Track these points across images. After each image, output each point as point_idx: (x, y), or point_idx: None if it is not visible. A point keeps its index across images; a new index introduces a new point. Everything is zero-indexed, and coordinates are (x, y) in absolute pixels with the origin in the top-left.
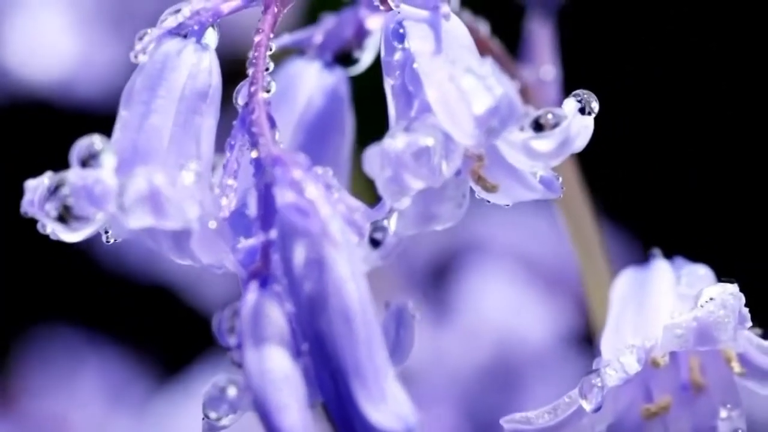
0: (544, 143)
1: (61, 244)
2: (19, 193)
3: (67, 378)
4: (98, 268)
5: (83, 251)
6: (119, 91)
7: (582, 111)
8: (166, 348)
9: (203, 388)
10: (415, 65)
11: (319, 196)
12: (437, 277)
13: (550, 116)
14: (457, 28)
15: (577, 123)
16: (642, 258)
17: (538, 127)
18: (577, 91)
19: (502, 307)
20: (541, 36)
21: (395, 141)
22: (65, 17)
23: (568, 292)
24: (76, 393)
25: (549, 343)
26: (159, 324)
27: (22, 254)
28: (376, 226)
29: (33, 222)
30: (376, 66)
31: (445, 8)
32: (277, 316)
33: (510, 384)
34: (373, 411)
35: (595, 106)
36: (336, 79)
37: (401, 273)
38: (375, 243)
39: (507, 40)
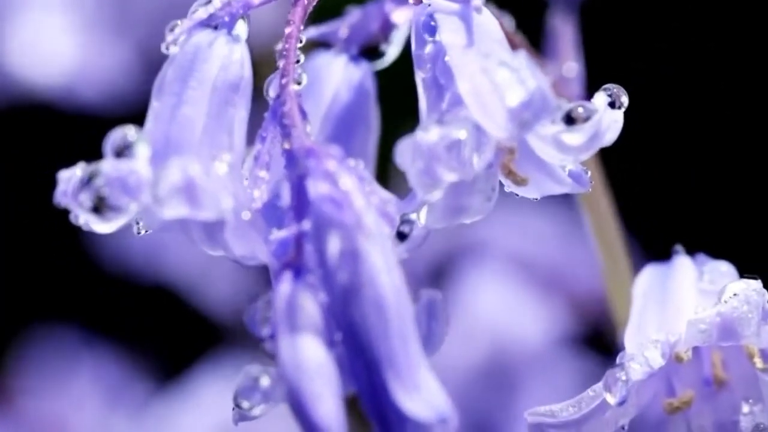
0: (575, 137)
1: (62, 244)
2: (20, 194)
3: (66, 378)
4: (98, 269)
5: (83, 251)
6: (121, 93)
7: (612, 105)
8: (165, 349)
9: (207, 385)
10: (446, 58)
11: (353, 188)
12: (435, 278)
13: (581, 110)
14: (489, 22)
15: (607, 117)
16: (664, 255)
17: (569, 120)
18: (607, 85)
19: (498, 309)
20: (564, 32)
21: (428, 133)
22: (67, 19)
23: (565, 294)
24: (74, 394)
25: (545, 345)
26: (159, 325)
27: (21, 254)
28: (402, 220)
29: (33, 222)
30: (402, 60)
31: (476, 1)
32: (310, 306)
33: (506, 385)
34: (407, 400)
35: (625, 100)
36: (362, 73)
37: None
38: (401, 236)
39: (530, 37)
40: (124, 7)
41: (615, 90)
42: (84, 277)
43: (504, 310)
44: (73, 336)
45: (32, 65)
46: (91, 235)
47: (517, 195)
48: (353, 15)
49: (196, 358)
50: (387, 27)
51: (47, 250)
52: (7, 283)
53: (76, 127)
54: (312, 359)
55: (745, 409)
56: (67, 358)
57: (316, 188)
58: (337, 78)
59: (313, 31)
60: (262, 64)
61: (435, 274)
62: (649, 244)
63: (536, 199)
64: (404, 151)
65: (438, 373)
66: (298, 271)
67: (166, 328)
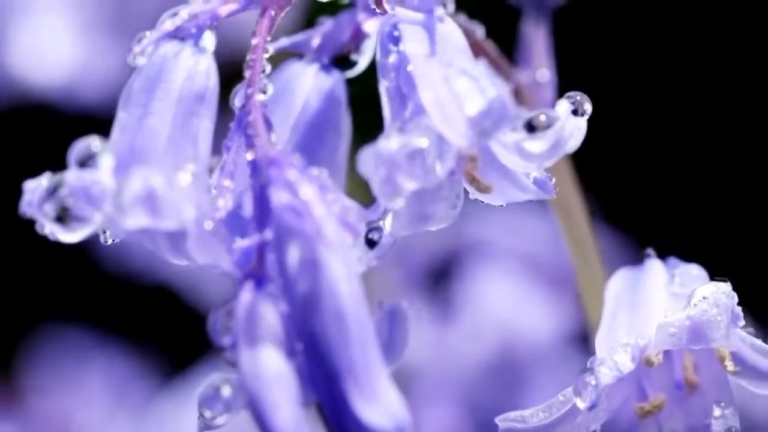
0: (536, 144)
1: (64, 244)
2: (21, 194)
3: (72, 377)
4: (101, 269)
5: (86, 252)
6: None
7: (575, 112)
8: (169, 348)
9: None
10: (409, 67)
11: (313, 197)
12: (440, 276)
13: (542, 117)
14: (452, 31)
15: (570, 124)
16: (636, 258)
17: (530, 128)
18: (570, 93)
19: (504, 306)
20: (537, 39)
21: (389, 142)
22: (67, 20)
23: (570, 291)
24: (80, 392)
25: (551, 341)
26: (162, 324)
27: (25, 254)
28: (372, 227)
29: (34, 222)
30: (374, 69)
31: (439, 11)
32: (271, 316)
33: (512, 382)
34: (365, 410)
35: (588, 107)
36: (333, 81)
37: (404, 273)
38: (371, 243)
39: (502, 43)
40: (123, 8)
41: (578, 98)
42: (88, 277)
43: (512, 307)
44: (80, 336)
45: (32, 66)
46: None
47: (483, 202)
48: (325, 25)
49: (198, 357)
50: (358, 36)
51: (51, 251)
52: (11, 283)
53: (76, 128)
54: (271, 369)
55: (717, 412)
56: (74, 357)
57: (278, 197)
58: (307, 86)
59: (285, 41)
60: (236, 75)
61: (440, 271)
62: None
63: (501, 206)
64: (366, 160)
65: (446, 370)
66: (260, 280)
67: (169, 328)
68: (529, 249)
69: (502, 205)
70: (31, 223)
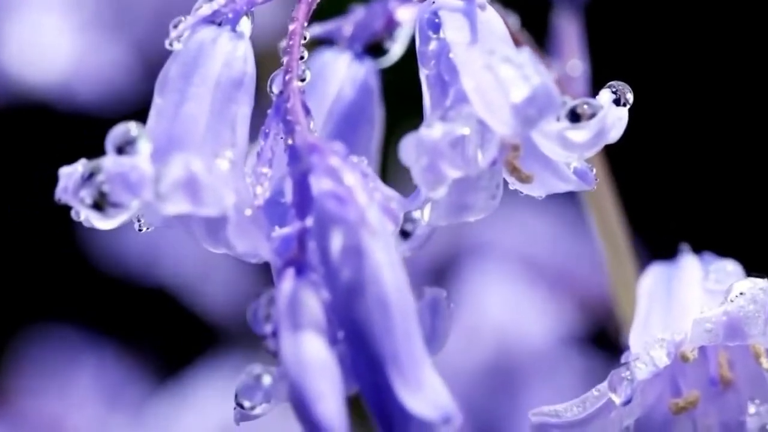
0: (579, 134)
1: (59, 244)
2: (19, 194)
3: (65, 378)
4: (96, 269)
5: (81, 252)
6: (119, 93)
7: (617, 102)
8: (164, 349)
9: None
10: (450, 55)
11: (356, 184)
12: (439, 277)
13: (586, 107)
14: (493, 19)
15: (612, 114)
16: (670, 254)
17: (574, 117)
18: (612, 83)
19: (504, 308)
20: (569, 31)
21: (432, 130)
22: (65, 19)
23: (570, 293)
24: (73, 394)
25: (551, 344)
26: (157, 325)
27: (19, 254)
28: (406, 218)
29: (31, 222)
30: (406, 57)
31: None
32: (313, 303)
33: (511, 384)
34: (410, 399)
35: (630, 97)
36: (366, 70)
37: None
38: (404, 234)
39: (535, 35)
40: (122, 7)
41: (620, 87)
42: (82, 277)
43: (509, 309)
44: (73, 336)
45: (30, 65)
46: (90, 236)
47: (522, 193)
48: (357, 13)
49: (193, 359)
50: (391, 25)
51: (46, 251)
52: (6, 283)
53: (75, 127)
54: (315, 357)
55: (752, 409)
56: (66, 358)
57: (319, 184)
58: (340, 75)
59: (318, 29)
60: (267, 61)
61: (439, 273)
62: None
63: (540, 197)
64: (408, 148)
65: (443, 373)
66: (301, 268)
67: (164, 329)
68: (529, 250)
69: (540, 196)
70: (27, 222)
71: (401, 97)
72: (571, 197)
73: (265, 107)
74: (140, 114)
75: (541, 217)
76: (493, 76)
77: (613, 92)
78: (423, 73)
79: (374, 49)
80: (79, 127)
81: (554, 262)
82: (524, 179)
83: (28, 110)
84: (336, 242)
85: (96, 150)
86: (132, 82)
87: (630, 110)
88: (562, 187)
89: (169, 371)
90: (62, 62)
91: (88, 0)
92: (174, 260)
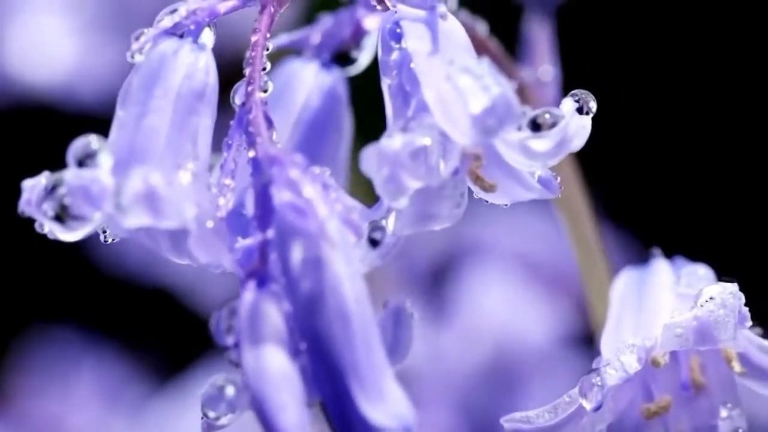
0: (541, 143)
1: (60, 245)
2: (19, 194)
3: (65, 379)
4: (97, 270)
5: (82, 253)
6: (119, 94)
7: (580, 111)
8: (164, 350)
9: (201, 388)
10: (412, 65)
11: (316, 196)
12: (437, 277)
13: (547, 116)
14: (454, 28)
15: (574, 123)
16: (642, 258)
17: (535, 126)
18: (575, 91)
19: (501, 308)
20: (540, 36)
21: (392, 140)
22: (66, 20)
23: (567, 293)
24: (73, 394)
25: (548, 344)
26: (157, 326)
27: (20, 255)
28: (375, 226)
29: (32, 222)
30: (374, 66)
31: (441, 8)
32: (274, 315)
33: (508, 384)
34: (371, 410)
35: (593, 105)
36: (333, 79)
37: (402, 273)
38: (373, 243)
39: (505, 41)
40: (122, 7)
41: (583, 96)
42: (83, 278)
43: (507, 310)
44: (73, 337)
45: (32, 66)
46: (90, 237)
47: (487, 201)
48: (325, 22)
49: (193, 360)
50: (359, 33)
51: (46, 251)
52: (6, 284)
53: (75, 128)
54: (276, 368)
55: (724, 413)
56: (66, 359)
57: (280, 196)
58: (308, 84)
59: (285, 38)
60: (235, 72)
61: (436, 274)
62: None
63: (506, 205)
64: (369, 159)
65: (441, 373)
66: (263, 279)
67: (165, 330)
68: (527, 250)
69: (505, 205)
70: (27, 222)
71: (373, 104)
72: (547, 202)
73: (230, 118)
74: None
75: (539, 217)
76: (453, 86)
77: (576, 101)
78: (385, 83)
79: (342, 57)
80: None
81: (552, 262)
82: (487, 188)
83: (30, 111)
84: (296, 254)
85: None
86: None
87: (604, 114)
88: (526, 196)
89: (169, 372)
90: (63, 63)
91: (88, 1)
92: (173, 261)
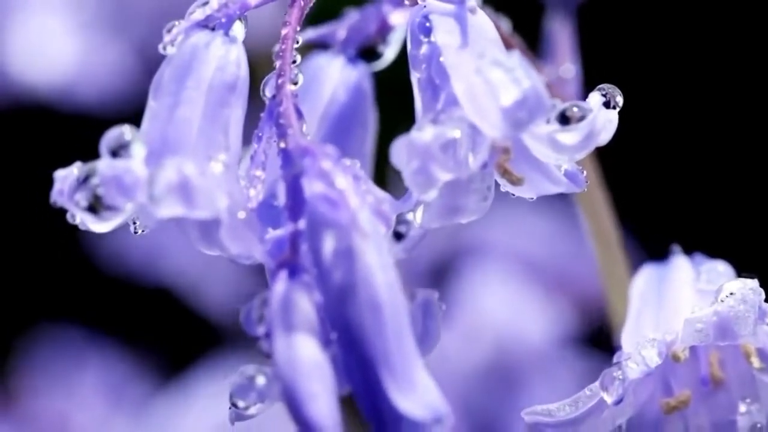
0: (569, 136)
1: (62, 245)
2: (20, 194)
3: (69, 378)
4: (100, 269)
5: (85, 252)
6: (120, 93)
7: (607, 105)
8: (167, 349)
9: (206, 386)
10: (441, 58)
11: (348, 187)
12: (437, 277)
13: (576, 109)
14: (483, 22)
15: (602, 116)
16: (661, 254)
17: (563, 120)
18: (602, 85)
19: (501, 308)
20: (562, 34)
21: (423, 133)
22: (66, 20)
23: (568, 294)
24: (77, 393)
25: (548, 344)
26: (161, 325)
27: (23, 254)
28: (399, 220)
29: (33, 223)
30: (399, 61)
31: (471, 2)
32: (306, 305)
33: (509, 385)
34: (402, 400)
35: (620, 100)
36: (359, 74)
37: (402, 273)
38: (398, 236)
39: (528, 38)
40: (123, 7)
41: (610, 90)
42: (86, 278)
43: (507, 309)
44: (76, 336)
45: (32, 66)
46: (92, 236)
47: (513, 195)
48: (351, 17)
49: (196, 359)
50: (384, 28)
51: (48, 251)
52: (8, 283)
53: (76, 128)
54: (307, 358)
55: (742, 408)
56: (70, 358)
57: (311, 187)
58: (334, 79)
59: (312, 33)
60: (261, 64)
61: (437, 273)
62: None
63: (532, 198)
64: (400, 151)
65: (442, 372)
66: (294, 270)
67: (167, 329)
68: (527, 251)
69: (531, 198)
70: (29, 223)
71: (397, 99)
72: (565, 199)
73: (259, 110)
74: (141, 115)
75: (540, 217)
76: (483, 79)
77: (603, 95)
78: (414, 77)
79: (368, 52)
80: (81, 127)
81: (552, 262)
82: (515, 181)
83: (30, 111)
84: (328, 245)
85: (97, 151)
86: (133, 82)
87: (623, 112)
88: (553, 189)
89: (171, 371)
90: (64, 63)
91: (89, 1)
92: (176, 260)
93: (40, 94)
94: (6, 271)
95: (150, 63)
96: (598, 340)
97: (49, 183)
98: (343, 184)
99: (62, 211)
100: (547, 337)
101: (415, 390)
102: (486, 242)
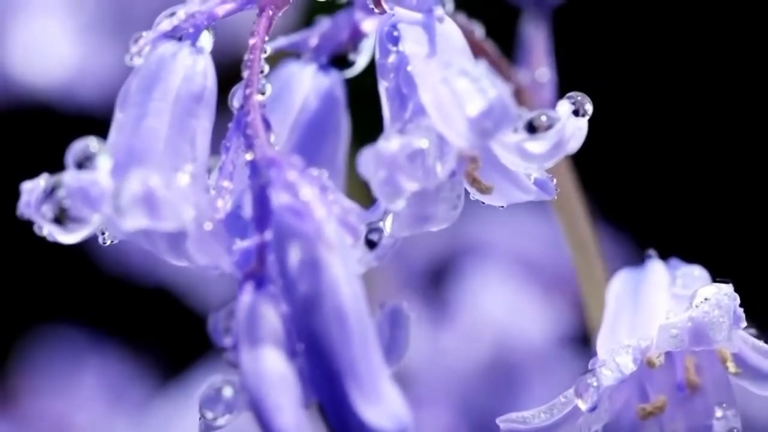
0: (537, 145)
1: (62, 245)
2: (20, 194)
3: (68, 379)
4: (99, 270)
5: (84, 252)
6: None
7: (576, 113)
8: (166, 349)
9: (200, 389)
10: (409, 68)
11: (313, 198)
12: (436, 277)
13: (543, 118)
14: (451, 31)
15: (570, 125)
16: (637, 259)
17: (531, 128)
18: (571, 94)
19: (500, 308)
20: (537, 38)
21: (390, 143)
22: (66, 21)
23: (566, 293)
24: (77, 394)
25: (547, 344)
26: (160, 325)
27: (23, 255)
28: (372, 228)
29: (33, 223)
30: (372, 68)
31: (439, 11)
32: (272, 316)
33: (508, 384)
34: (368, 410)
35: (589, 108)
36: (331, 81)
37: (401, 274)
38: (371, 244)
39: (502, 43)
40: (123, 8)
41: (579, 98)
42: (86, 278)
43: (506, 309)
44: (75, 337)
45: (32, 66)
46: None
47: (483, 203)
48: (323, 24)
49: (196, 359)
50: (356, 36)
51: (48, 251)
52: (8, 283)
53: (76, 128)
54: (273, 370)
55: (719, 413)
56: (69, 358)
57: (278, 198)
58: (305, 87)
59: (283, 41)
60: (230, 75)
61: (436, 273)
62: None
63: (502, 207)
64: (367, 161)
65: (440, 372)
66: (260, 281)
67: (167, 329)
68: (526, 251)
69: (502, 207)
70: (28, 223)
71: (372, 106)
72: (543, 204)
73: (228, 121)
74: None
75: (538, 218)
76: (450, 89)
77: (572, 103)
78: (382, 86)
79: (340, 60)
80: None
81: (551, 262)
82: (484, 190)
83: (30, 112)
84: (294, 256)
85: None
86: None
87: (598, 115)
88: (523, 198)
89: (171, 371)
90: (63, 64)
91: (89, 2)
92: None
93: (40, 94)
94: (6, 271)
95: None
96: (593, 340)
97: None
98: (309, 194)
99: (30, 222)
100: (545, 336)
101: (381, 401)
102: (485, 242)
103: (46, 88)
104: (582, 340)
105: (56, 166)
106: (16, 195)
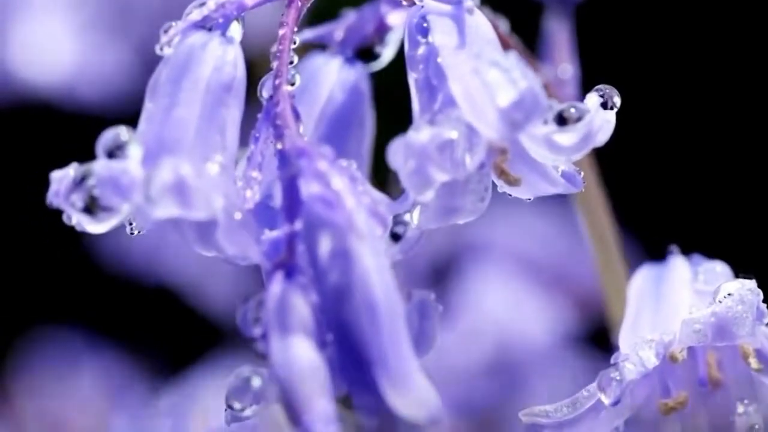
0: (566, 137)
1: (62, 245)
2: (21, 194)
3: (67, 379)
4: (99, 269)
5: (84, 252)
6: (120, 93)
7: (604, 105)
8: (166, 349)
9: (206, 385)
10: (438, 59)
11: (344, 188)
12: (438, 276)
13: (573, 110)
14: (481, 23)
15: (599, 117)
16: (659, 255)
17: (561, 120)
18: (599, 86)
19: (502, 307)
20: (559, 34)
21: (420, 134)
22: (67, 20)
23: (569, 293)
24: (76, 394)
25: (549, 343)
26: (160, 325)
27: (23, 254)
28: (397, 221)
29: (33, 223)
30: (397, 61)
31: (468, 2)
32: (302, 306)
33: (510, 383)
34: (398, 400)
35: (617, 100)
36: (357, 74)
37: (403, 272)
38: (395, 237)
39: (525, 39)
40: (123, 7)
41: (607, 91)
42: (84, 277)
43: (508, 309)
44: (75, 337)
45: (32, 65)
46: (92, 236)
47: (510, 195)
48: (349, 17)
49: (196, 359)
50: (382, 29)
51: (48, 251)
52: (7, 284)
53: (76, 127)
54: (303, 360)
55: (740, 409)
56: (68, 358)
57: (308, 188)
58: (331, 79)
59: (309, 33)
60: (258, 65)
61: (437, 273)
62: (645, 244)
63: (529, 199)
64: (397, 152)
65: (442, 372)
66: (290, 271)
67: (167, 329)
68: (527, 250)
69: (528, 199)
70: (28, 222)
71: (395, 99)
72: (563, 199)
73: (256, 111)
74: (141, 114)
75: (540, 217)
76: (480, 80)
77: (601, 96)
78: (412, 78)
79: (365, 53)
80: (82, 127)
81: (553, 261)
82: (512, 182)
83: (31, 110)
84: (324, 246)
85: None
86: (133, 82)
87: (621, 112)
88: (550, 190)
89: (171, 371)
90: (64, 63)
91: (89, 1)
92: (176, 260)
93: (41, 93)
94: (6, 271)
95: (150, 63)
96: (598, 339)
97: (50, 182)
98: (340, 185)
99: (60, 212)
100: (547, 336)
101: (411, 390)
102: (487, 242)
103: (46, 87)
104: (584, 339)
105: (56, 164)
106: (16, 193)
